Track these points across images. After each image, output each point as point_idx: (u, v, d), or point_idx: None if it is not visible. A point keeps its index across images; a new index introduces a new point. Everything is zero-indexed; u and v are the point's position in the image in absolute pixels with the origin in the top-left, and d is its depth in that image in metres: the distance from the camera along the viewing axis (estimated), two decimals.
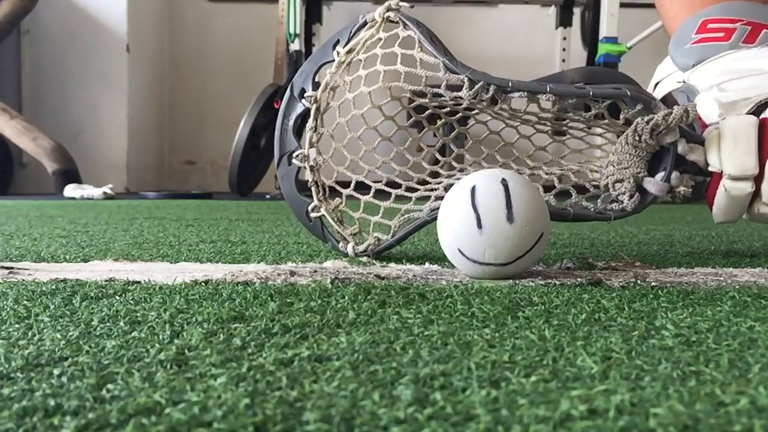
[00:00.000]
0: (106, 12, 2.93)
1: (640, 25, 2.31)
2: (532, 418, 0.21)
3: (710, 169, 0.56)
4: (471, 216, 0.46)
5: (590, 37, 2.50)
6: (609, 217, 0.56)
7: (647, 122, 0.53)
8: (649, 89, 0.71)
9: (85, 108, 2.92)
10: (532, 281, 0.48)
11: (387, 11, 0.58)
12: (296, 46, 2.48)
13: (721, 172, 0.56)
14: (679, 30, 0.66)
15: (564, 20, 2.95)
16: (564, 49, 2.94)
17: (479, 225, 0.46)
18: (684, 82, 0.65)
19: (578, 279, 0.48)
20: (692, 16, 0.66)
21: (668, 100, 0.68)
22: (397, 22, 0.58)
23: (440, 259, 0.58)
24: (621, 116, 0.57)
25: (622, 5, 2.26)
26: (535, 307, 0.38)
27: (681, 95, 0.68)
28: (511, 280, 0.48)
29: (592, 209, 0.58)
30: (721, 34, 0.62)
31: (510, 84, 0.53)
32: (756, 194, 0.56)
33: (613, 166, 0.56)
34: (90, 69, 2.92)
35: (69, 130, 2.83)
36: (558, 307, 0.38)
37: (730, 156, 0.55)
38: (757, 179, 0.56)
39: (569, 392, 0.24)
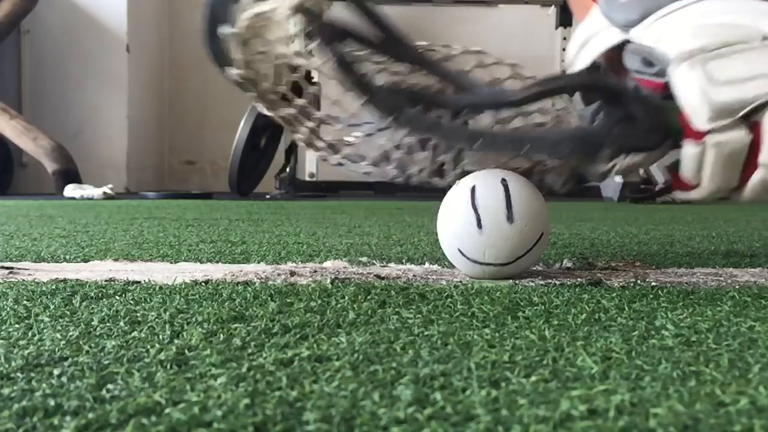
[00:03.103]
0: (106, 12, 2.92)
1: None
2: (532, 418, 0.21)
3: (694, 191, 0.50)
4: (471, 216, 0.46)
5: None
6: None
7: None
8: (568, 57, 0.62)
9: (85, 108, 2.92)
10: (532, 281, 0.48)
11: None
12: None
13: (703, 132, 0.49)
14: None
15: (564, 20, 2.95)
16: (564, 49, 2.93)
17: (479, 225, 0.46)
18: (630, 41, 0.54)
19: (578, 279, 0.48)
20: None
21: (611, 63, 0.57)
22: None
23: (440, 259, 0.58)
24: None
25: None
26: (535, 307, 0.38)
27: (632, 57, 0.56)
28: (511, 280, 0.48)
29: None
30: None
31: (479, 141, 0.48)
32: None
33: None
34: (90, 69, 2.92)
35: (69, 130, 2.82)
36: (558, 307, 0.38)
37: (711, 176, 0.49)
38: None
39: (569, 392, 0.24)
